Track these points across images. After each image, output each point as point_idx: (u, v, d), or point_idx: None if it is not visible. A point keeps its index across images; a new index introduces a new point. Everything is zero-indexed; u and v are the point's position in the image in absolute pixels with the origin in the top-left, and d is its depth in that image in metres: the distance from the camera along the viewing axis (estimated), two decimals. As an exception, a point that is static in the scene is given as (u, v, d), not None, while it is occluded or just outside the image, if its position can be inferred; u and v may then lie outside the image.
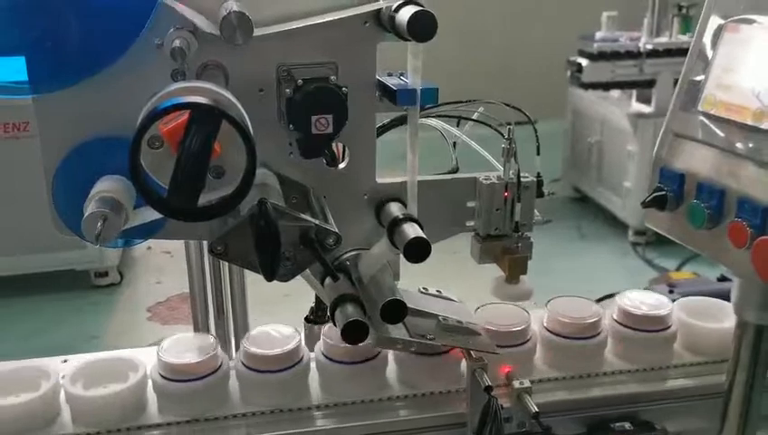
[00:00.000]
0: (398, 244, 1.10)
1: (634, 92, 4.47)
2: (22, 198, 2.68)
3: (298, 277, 1.13)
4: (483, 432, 1.27)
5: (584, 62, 4.27)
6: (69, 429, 1.30)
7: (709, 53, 1.24)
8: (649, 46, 4.26)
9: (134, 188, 0.97)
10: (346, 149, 1.23)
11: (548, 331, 1.48)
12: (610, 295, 2.78)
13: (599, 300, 1.56)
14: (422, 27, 1.04)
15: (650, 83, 4.27)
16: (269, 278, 1.04)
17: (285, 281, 1.09)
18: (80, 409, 1.31)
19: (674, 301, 1.57)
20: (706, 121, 1.21)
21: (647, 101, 4.37)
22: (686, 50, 1.30)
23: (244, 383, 1.37)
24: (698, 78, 1.25)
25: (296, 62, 1.12)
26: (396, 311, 1.12)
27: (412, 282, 1.34)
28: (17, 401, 1.28)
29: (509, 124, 1.28)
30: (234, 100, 0.96)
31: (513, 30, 6.66)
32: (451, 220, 1.34)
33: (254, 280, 1.19)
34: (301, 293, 1.38)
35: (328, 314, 1.20)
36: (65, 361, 1.43)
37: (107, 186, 1.06)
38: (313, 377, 1.41)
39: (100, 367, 1.37)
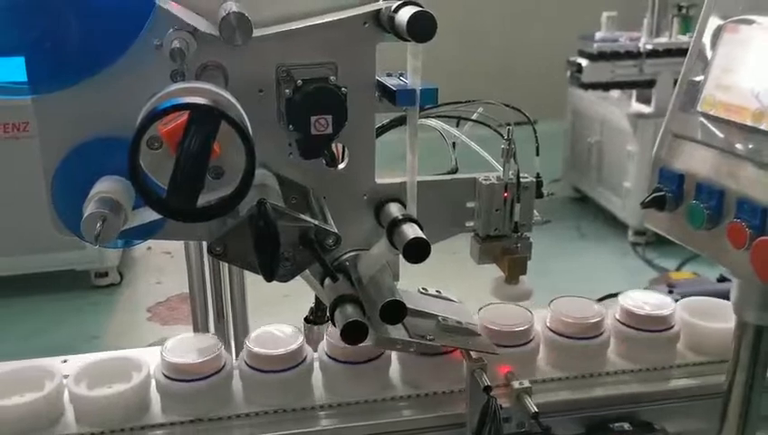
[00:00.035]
0: (397, 244, 1.10)
1: (634, 93, 4.48)
2: (22, 199, 2.68)
3: (297, 278, 1.13)
4: (482, 432, 1.27)
5: (584, 62, 4.27)
6: (73, 428, 1.30)
7: (708, 53, 1.24)
8: (649, 46, 4.26)
9: (133, 188, 0.97)
10: (345, 149, 1.23)
11: (551, 331, 1.48)
12: (610, 296, 2.78)
13: (599, 300, 1.55)
14: (421, 28, 1.04)
15: (650, 84, 4.27)
16: (268, 279, 1.04)
17: (285, 281, 1.09)
18: (83, 409, 1.31)
19: (676, 301, 1.57)
20: (706, 122, 1.21)
21: (646, 101, 4.37)
22: (686, 50, 1.30)
23: (247, 383, 1.37)
24: (698, 78, 1.25)
25: (296, 63, 1.12)
26: (395, 311, 1.12)
27: (412, 282, 1.34)
28: (21, 400, 1.28)
29: (508, 125, 1.28)
30: (233, 100, 0.96)
31: (513, 30, 6.66)
32: (450, 221, 1.34)
33: (253, 280, 1.19)
34: (300, 293, 1.39)
35: (327, 314, 1.20)
36: (65, 361, 1.43)
37: (106, 186, 1.06)
38: (316, 377, 1.41)
39: (103, 367, 1.37)
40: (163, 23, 1.06)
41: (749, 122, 1.13)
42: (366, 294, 1.16)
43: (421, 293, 1.43)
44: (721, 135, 1.18)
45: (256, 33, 1.06)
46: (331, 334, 1.40)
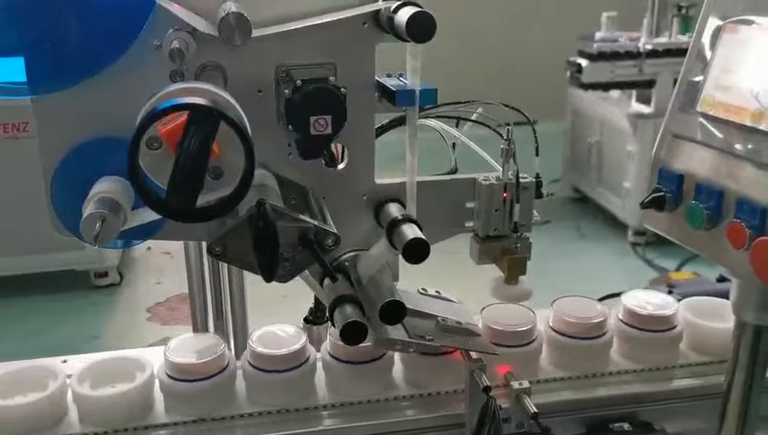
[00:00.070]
0: (396, 244, 1.10)
1: (634, 93, 4.48)
2: (22, 199, 2.68)
3: (297, 278, 1.13)
4: (481, 433, 1.27)
5: (584, 62, 4.27)
6: (76, 428, 1.30)
7: (708, 53, 1.24)
8: (649, 46, 4.26)
9: (133, 188, 0.97)
10: (345, 149, 1.23)
11: (554, 331, 1.48)
12: (611, 296, 2.78)
13: (599, 300, 1.55)
14: (421, 28, 1.04)
15: (650, 84, 4.27)
16: (268, 279, 1.04)
17: (284, 282, 1.09)
18: (87, 408, 1.31)
19: (678, 301, 1.57)
20: (705, 122, 1.21)
21: (646, 101, 4.37)
22: (686, 50, 1.30)
23: (250, 383, 1.37)
24: (697, 79, 1.24)
25: (295, 63, 1.12)
26: (395, 312, 1.12)
27: (411, 283, 1.34)
28: (25, 400, 1.28)
29: (508, 125, 1.28)
30: (232, 101, 0.96)
31: (513, 31, 6.66)
32: (450, 221, 1.34)
33: (253, 281, 1.20)
34: (300, 294, 1.39)
35: (327, 314, 1.20)
36: (65, 361, 1.43)
37: (106, 187, 1.06)
38: (319, 377, 1.41)
39: (107, 367, 1.37)
40: (162, 23, 1.06)
41: (748, 123, 1.13)
42: (365, 295, 1.16)
43: (421, 293, 1.43)
44: (720, 135, 1.18)
45: (255, 33, 1.06)
46: (333, 334, 1.40)
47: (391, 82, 1.18)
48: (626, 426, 1.41)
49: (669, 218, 1.26)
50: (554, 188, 4.75)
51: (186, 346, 1.37)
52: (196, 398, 1.33)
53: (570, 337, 1.46)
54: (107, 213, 1.01)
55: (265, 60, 1.12)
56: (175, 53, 1.02)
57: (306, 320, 1.48)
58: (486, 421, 1.26)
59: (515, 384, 1.30)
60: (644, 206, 1.27)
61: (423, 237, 1.07)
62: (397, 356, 1.43)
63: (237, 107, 0.96)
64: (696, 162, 1.22)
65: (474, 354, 1.32)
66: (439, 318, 1.33)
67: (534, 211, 1.32)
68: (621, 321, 1.51)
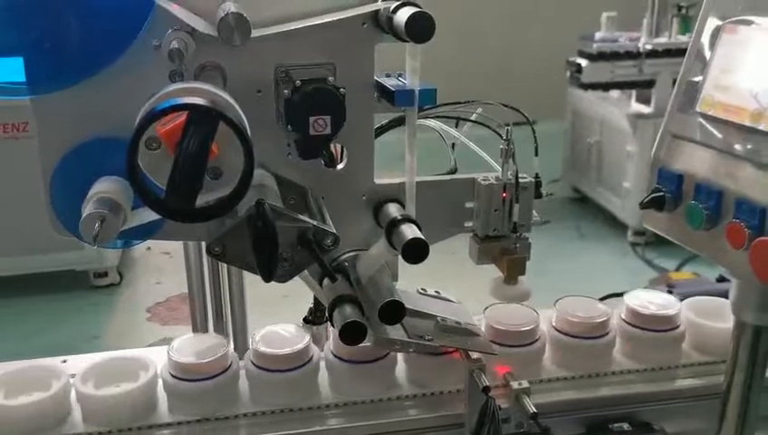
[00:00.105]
0: (396, 245, 1.10)
1: (633, 93, 4.48)
2: (21, 199, 2.68)
3: (296, 278, 1.13)
4: (480, 433, 1.27)
5: (584, 62, 4.27)
6: (80, 428, 1.30)
7: (707, 54, 1.24)
8: (649, 47, 4.26)
9: (132, 188, 0.97)
10: (344, 149, 1.23)
11: (557, 330, 1.48)
12: (611, 295, 2.78)
13: (599, 300, 1.55)
14: (420, 28, 1.04)
15: (650, 84, 4.27)
16: (267, 279, 1.04)
17: (283, 282, 1.09)
18: (91, 408, 1.31)
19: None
20: (704, 123, 1.21)
21: (646, 101, 4.37)
22: (686, 50, 1.30)
23: (254, 383, 1.37)
24: (696, 79, 1.24)
25: (294, 63, 1.12)
26: (394, 312, 1.12)
27: (410, 283, 1.34)
28: (29, 400, 1.28)
29: (507, 125, 1.28)
30: (231, 101, 0.96)
31: (512, 31, 6.66)
32: (449, 221, 1.34)
33: (252, 281, 1.20)
34: (299, 294, 1.39)
35: (326, 314, 1.20)
36: (65, 361, 1.43)
37: (105, 187, 1.06)
38: (322, 376, 1.41)
39: (110, 366, 1.38)
40: (162, 23, 1.06)
41: (747, 123, 1.13)
42: (365, 295, 1.16)
43: (420, 293, 1.43)
44: (720, 135, 1.18)
45: (255, 33, 1.06)
46: (336, 334, 1.40)
47: (390, 83, 1.18)
48: (625, 426, 1.41)
49: (669, 218, 1.26)
50: (554, 188, 4.76)
51: (189, 346, 1.38)
52: (200, 397, 1.33)
53: (573, 337, 1.46)
54: (106, 213, 1.01)
55: (265, 60, 1.12)
56: (174, 54, 1.02)
57: (305, 320, 1.48)
58: (486, 421, 1.26)
59: (515, 384, 1.30)
60: (643, 206, 1.27)
61: (422, 237, 1.07)
62: (400, 356, 1.43)
63: (236, 107, 0.96)
64: (696, 162, 1.22)
65: (473, 354, 1.32)
66: (438, 318, 1.33)
67: (534, 211, 1.32)
68: (624, 321, 1.51)
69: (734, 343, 1.31)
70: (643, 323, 1.49)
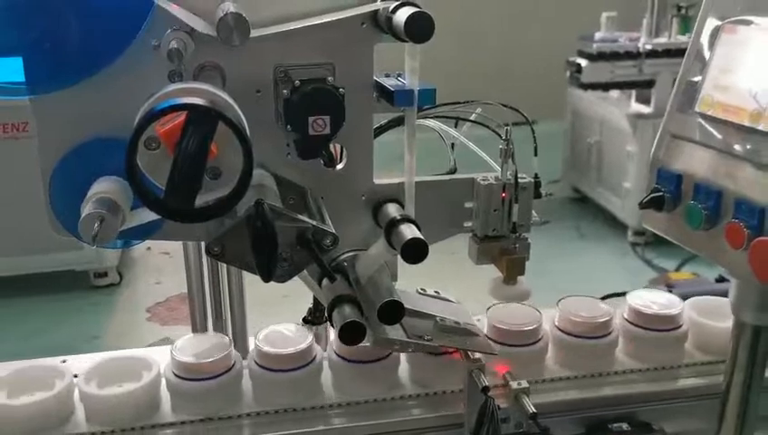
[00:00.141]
0: (395, 245, 1.10)
1: (633, 93, 4.47)
2: (21, 199, 2.68)
3: (296, 278, 1.13)
4: (480, 433, 1.27)
5: (583, 62, 4.27)
6: (83, 427, 1.30)
7: (706, 54, 1.24)
8: (648, 47, 4.26)
9: (131, 189, 0.97)
10: (343, 149, 1.23)
11: (559, 330, 1.48)
12: (611, 295, 2.79)
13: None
14: (419, 28, 1.04)
15: (649, 84, 4.27)
16: (266, 279, 1.04)
17: (282, 282, 1.09)
18: (94, 407, 1.32)
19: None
20: (703, 123, 1.21)
21: (646, 101, 4.37)
22: (686, 50, 1.30)
23: (257, 382, 1.38)
24: (696, 79, 1.25)
25: (293, 63, 1.12)
26: (393, 312, 1.12)
27: (410, 283, 1.34)
28: (32, 399, 1.28)
29: (507, 125, 1.28)
30: (230, 101, 0.96)
31: (511, 31, 6.66)
32: (449, 221, 1.34)
33: (252, 281, 1.19)
34: (299, 294, 1.39)
35: (325, 314, 1.20)
36: (64, 361, 1.43)
37: (104, 187, 1.06)
38: (325, 376, 1.42)
39: (113, 366, 1.38)
40: (161, 23, 1.06)
41: (747, 123, 1.13)
42: (364, 295, 1.16)
43: (419, 293, 1.43)
44: (719, 136, 1.18)
45: (254, 33, 1.06)
46: None
47: (390, 83, 1.18)
48: (624, 426, 1.41)
49: (668, 218, 1.26)
50: (554, 188, 4.76)
51: (192, 345, 1.38)
52: (203, 397, 1.33)
53: (576, 336, 1.46)
54: (105, 213, 1.01)
55: (264, 60, 1.12)
56: (173, 54, 1.02)
57: (305, 320, 1.48)
58: (485, 421, 1.26)
59: (514, 384, 1.30)
60: (643, 206, 1.27)
61: (421, 237, 1.07)
62: (403, 356, 1.43)
63: (236, 107, 0.96)
64: (695, 162, 1.22)
65: (472, 354, 1.32)
66: (438, 318, 1.33)
67: (533, 211, 1.32)
68: (627, 320, 1.52)
69: (733, 343, 1.31)
70: (646, 322, 1.49)
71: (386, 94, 1.17)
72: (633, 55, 4.25)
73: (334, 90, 1.10)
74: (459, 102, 1.32)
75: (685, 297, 1.63)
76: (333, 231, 1.07)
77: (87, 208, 1.02)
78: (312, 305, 1.48)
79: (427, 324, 1.31)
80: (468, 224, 1.34)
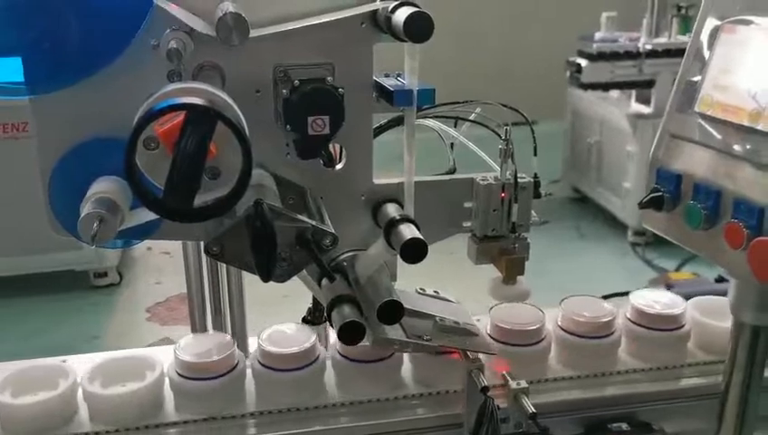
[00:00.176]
0: (394, 245, 1.10)
1: (633, 93, 4.47)
2: (21, 199, 2.68)
3: (296, 278, 1.13)
4: (479, 433, 1.27)
5: (583, 62, 4.27)
6: (87, 427, 1.30)
7: (706, 53, 1.24)
8: (648, 47, 4.25)
9: (130, 188, 0.97)
10: (343, 149, 1.23)
11: (562, 330, 1.48)
12: (611, 295, 2.78)
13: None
14: (418, 28, 1.04)
15: (649, 84, 4.27)
16: (265, 279, 1.04)
17: (282, 282, 1.09)
18: (97, 407, 1.32)
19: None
20: (703, 123, 1.21)
21: (646, 101, 4.37)
22: (685, 50, 1.30)
23: (260, 382, 1.38)
24: (695, 79, 1.24)
25: (293, 63, 1.12)
26: (393, 312, 1.13)
27: (409, 283, 1.34)
28: (35, 399, 1.28)
29: (506, 125, 1.28)
30: (230, 101, 0.96)
31: (511, 31, 6.66)
32: (448, 221, 1.34)
33: (252, 281, 1.19)
34: (299, 294, 1.39)
35: (325, 314, 1.20)
36: (64, 361, 1.43)
37: (103, 187, 1.06)
38: (328, 375, 1.42)
39: (117, 366, 1.38)
40: (160, 23, 1.06)
41: (746, 123, 1.13)
42: (363, 295, 1.16)
43: (419, 293, 1.43)
44: (718, 135, 1.18)
45: (253, 33, 1.06)
46: None
47: (389, 82, 1.18)
48: (624, 426, 1.41)
49: (668, 218, 1.26)
50: (554, 188, 4.76)
51: (196, 345, 1.38)
52: (207, 396, 1.33)
53: (578, 336, 1.46)
54: (104, 213, 1.01)
55: (263, 60, 1.12)
56: (172, 53, 1.02)
57: (304, 320, 1.48)
58: (484, 421, 1.26)
59: (513, 384, 1.30)
60: (642, 206, 1.27)
61: (421, 237, 1.07)
62: (406, 355, 1.43)
63: (235, 107, 0.96)
64: (694, 162, 1.22)
65: (472, 354, 1.32)
66: (437, 318, 1.33)
67: (533, 211, 1.32)
68: (629, 320, 1.52)
69: (732, 343, 1.31)
70: (648, 322, 1.49)
71: (385, 94, 1.17)
72: (633, 55, 4.25)
73: (334, 90, 1.10)
74: (459, 102, 1.32)
75: (685, 297, 1.63)
76: (333, 231, 1.07)
77: (86, 208, 1.02)
78: (311, 305, 1.48)
79: (426, 324, 1.31)
80: (467, 224, 1.34)
